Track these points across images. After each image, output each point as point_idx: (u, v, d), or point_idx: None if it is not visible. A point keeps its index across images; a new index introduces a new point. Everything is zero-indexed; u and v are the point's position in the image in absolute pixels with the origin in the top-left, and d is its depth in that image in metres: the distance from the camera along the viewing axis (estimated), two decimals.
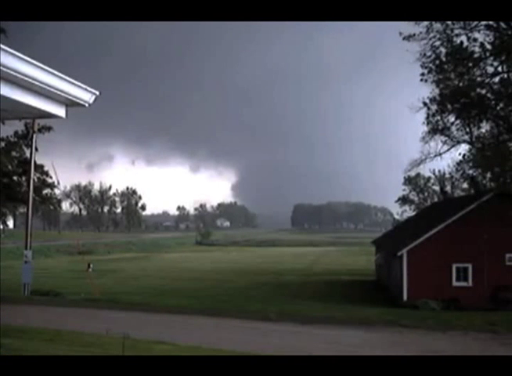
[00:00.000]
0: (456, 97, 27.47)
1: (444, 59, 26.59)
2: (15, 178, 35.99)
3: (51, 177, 39.92)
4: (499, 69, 26.63)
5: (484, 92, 27.58)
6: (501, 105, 27.31)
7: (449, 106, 28.83)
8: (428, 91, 29.29)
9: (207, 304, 27.44)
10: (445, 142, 29.99)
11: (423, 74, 27.42)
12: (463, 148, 32.03)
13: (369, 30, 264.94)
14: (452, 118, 29.80)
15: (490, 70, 26.97)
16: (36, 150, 32.96)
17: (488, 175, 31.16)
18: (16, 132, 35.12)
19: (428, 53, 26.18)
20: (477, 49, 25.88)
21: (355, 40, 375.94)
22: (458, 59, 26.22)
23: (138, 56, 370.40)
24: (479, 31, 25.33)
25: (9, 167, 35.67)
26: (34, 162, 31.93)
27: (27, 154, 34.14)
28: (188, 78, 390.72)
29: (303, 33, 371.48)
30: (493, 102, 27.65)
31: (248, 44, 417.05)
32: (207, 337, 17.87)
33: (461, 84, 27.36)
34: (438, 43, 25.88)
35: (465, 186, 48.78)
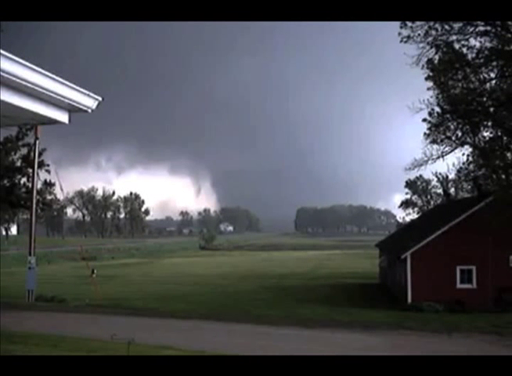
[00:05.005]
0: (456, 102, 27.60)
1: (443, 62, 26.73)
2: (16, 180, 36.08)
3: (54, 183, 40.00)
4: (499, 74, 26.77)
5: (484, 98, 27.72)
6: (501, 109, 27.40)
7: (450, 108, 28.92)
8: (430, 93, 29.37)
9: (212, 308, 27.44)
10: (446, 144, 29.98)
11: (428, 76, 27.56)
12: (466, 148, 32.01)
13: (370, 30, 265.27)
14: (453, 123, 29.84)
15: (490, 75, 27.15)
16: (40, 154, 33.13)
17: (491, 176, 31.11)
18: (17, 136, 35.24)
19: (426, 58, 26.43)
20: (475, 55, 26.02)
21: (356, 40, 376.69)
22: (457, 64, 26.38)
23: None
24: (479, 36, 25.42)
25: (11, 172, 35.80)
26: (37, 165, 32.05)
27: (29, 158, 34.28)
28: (187, 80, 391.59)
29: (303, 33, 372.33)
30: (492, 108, 27.78)
31: (247, 45, 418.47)
32: (211, 341, 17.86)
33: (460, 90, 27.59)
34: (436, 47, 26.03)
35: (468, 187, 48.65)
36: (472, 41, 25.84)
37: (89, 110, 6.51)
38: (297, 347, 17.12)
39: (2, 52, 4.93)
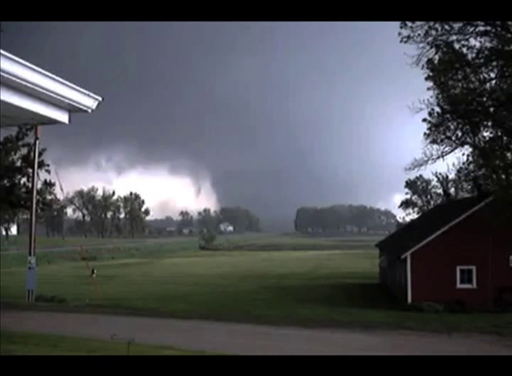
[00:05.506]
0: (456, 102, 27.64)
1: (443, 62, 26.78)
2: (16, 180, 36.12)
3: (54, 183, 40.04)
4: (499, 74, 26.80)
5: (484, 98, 27.76)
6: (501, 109, 27.43)
7: (450, 108, 28.96)
8: (430, 93, 29.41)
9: (212, 308, 27.46)
10: (446, 144, 30.01)
11: (428, 76, 27.60)
12: (466, 148, 32.07)
13: (370, 30, 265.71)
14: (453, 123, 29.88)
15: (490, 75, 27.19)
16: (40, 154, 33.13)
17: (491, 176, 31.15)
18: (17, 136, 35.26)
19: (426, 58, 26.47)
20: (475, 55, 26.08)
21: (356, 40, 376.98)
22: (457, 64, 26.42)
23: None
24: (479, 36, 25.47)
25: (11, 172, 35.84)
26: (37, 165, 32.07)
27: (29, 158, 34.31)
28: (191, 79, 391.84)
29: (303, 33, 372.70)
30: (492, 108, 27.81)
31: (247, 45, 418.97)
32: (211, 341, 17.86)
33: (460, 90, 27.63)
34: (436, 47, 26.08)
35: (468, 187, 48.69)
36: (472, 41, 25.91)
37: (89, 110, 6.52)
38: (297, 347, 17.12)
39: (2, 52, 4.93)
